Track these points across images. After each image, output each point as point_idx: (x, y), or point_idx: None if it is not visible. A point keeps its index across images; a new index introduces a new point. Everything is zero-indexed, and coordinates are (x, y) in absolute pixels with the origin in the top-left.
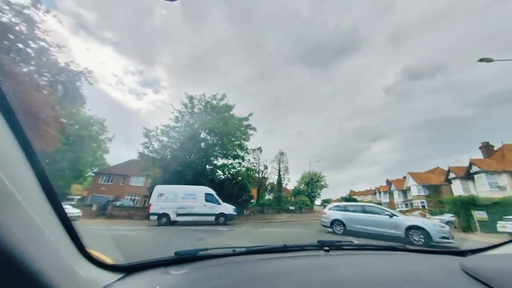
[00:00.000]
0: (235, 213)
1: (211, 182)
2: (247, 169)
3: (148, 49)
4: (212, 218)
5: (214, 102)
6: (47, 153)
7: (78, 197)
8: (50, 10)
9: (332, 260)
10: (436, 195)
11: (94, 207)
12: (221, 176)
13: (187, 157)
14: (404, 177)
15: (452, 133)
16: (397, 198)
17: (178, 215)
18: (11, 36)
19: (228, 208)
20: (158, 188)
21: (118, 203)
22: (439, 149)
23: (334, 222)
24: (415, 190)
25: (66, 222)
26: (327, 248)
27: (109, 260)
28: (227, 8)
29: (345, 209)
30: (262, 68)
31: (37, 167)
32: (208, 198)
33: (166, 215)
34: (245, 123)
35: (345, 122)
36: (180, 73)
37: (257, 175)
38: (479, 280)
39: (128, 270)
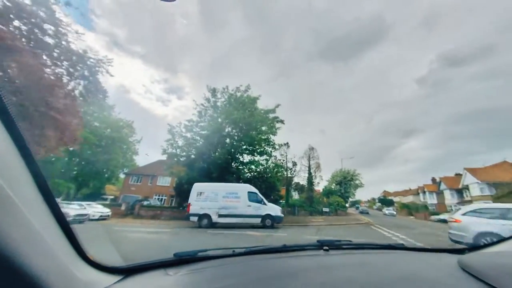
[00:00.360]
0: (282, 215)
1: (238, 180)
2: (276, 165)
3: (171, 58)
4: (258, 220)
5: (238, 94)
6: (84, 156)
7: (112, 197)
8: (89, 31)
9: (332, 259)
10: (508, 195)
11: (123, 207)
12: (247, 173)
13: (212, 153)
14: (457, 174)
15: (505, 125)
16: (450, 199)
17: (220, 216)
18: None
19: (274, 209)
20: (197, 186)
21: (145, 203)
22: (488, 143)
23: (482, 237)
24: (476, 189)
25: (64, 225)
26: (327, 248)
27: (107, 262)
28: (243, 10)
29: (503, 215)
30: (281, 66)
31: (34, 169)
32: (252, 197)
33: (207, 216)
34: (271, 115)
35: (371, 117)
36: (201, 78)
37: (285, 173)
38: (476, 277)
39: (127, 272)
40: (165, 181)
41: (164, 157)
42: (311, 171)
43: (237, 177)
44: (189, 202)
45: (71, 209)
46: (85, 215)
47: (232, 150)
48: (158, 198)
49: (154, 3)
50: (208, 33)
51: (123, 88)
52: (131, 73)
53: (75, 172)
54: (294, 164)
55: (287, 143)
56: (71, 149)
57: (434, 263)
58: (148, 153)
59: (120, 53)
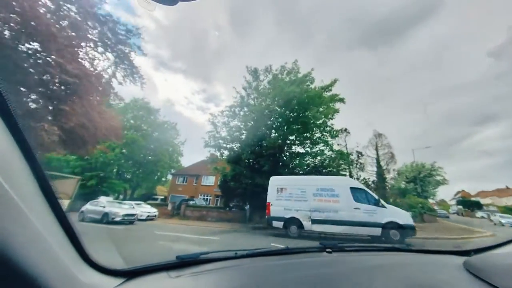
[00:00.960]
0: (413, 224)
1: (292, 174)
2: (341, 153)
3: (207, 69)
4: (378, 231)
5: (283, 76)
6: (135, 158)
7: (162, 197)
8: (140, 55)
9: (335, 262)
10: None
11: (169, 207)
12: (304, 165)
13: (260, 143)
14: None
15: None
16: None
17: (314, 222)
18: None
19: (401, 215)
20: (275, 181)
21: (191, 202)
22: None
23: None
24: None
25: (67, 227)
26: (330, 250)
27: (110, 265)
28: (272, 11)
29: None
30: (317, 60)
31: (37, 171)
32: (359, 196)
33: (295, 220)
34: (327, 94)
35: (428, 105)
36: (235, 84)
37: (348, 167)
38: (483, 279)
39: (129, 274)
40: (209, 181)
41: (205, 156)
42: (380, 163)
43: (291, 170)
44: (268, 201)
45: (121, 209)
46: (134, 215)
47: (284, 137)
48: (204, 198)
49: (190, 22)
50: (239, 39)
51: (169, 102)
52: (175, 87)
53: (129, 175)
54: (360, 155)
55: (346, 129)
56: (124, 151)
57: (440, 265)
58: (191, 158)
59: (165, 71)
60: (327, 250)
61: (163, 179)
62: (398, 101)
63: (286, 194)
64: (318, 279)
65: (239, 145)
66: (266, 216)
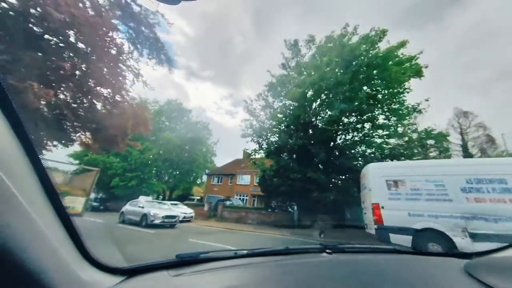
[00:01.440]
0: None
1: (354, 165)
2: (437, 135)
3: (234, 74)
4: None
5: (335, 44)
6: (171, 158)
7: (198, 197)
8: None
9: (334, 262)
10: None
11: (206, 207)
12: (374, 152)
13: (309, 126)
14: None
15: None
16: None
17: (476, 237)
18: None
19: None
20: (379, 169)
21: (228, 203)
22: None
23: None
24: None
25: (68, 224)
26: (330, 251)
27: (111, 263)
28: (297, 7)
29: None
30: None
31: (39, 168)
32: None
33: (436, 234)
34: (400, 55)
35: (488, 88)
36: (261, 85)
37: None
38: (483, 283)
39: (129, 272)
40: (245, 180)
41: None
42: (472, 149)
43: (352, 161)
44: (374, 202)
45: (161, 210)
46: (175, 217)
47: (338, 117)
48: (240, 198)
49: (216, 31)
50: (262, 41)
51: (201, 108)
52: (205, 95)
53: (166, 176)
54: (443, 136)
55: (419, 104)
56: (160, 152)
57: (441, 267)
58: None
59: (195, 80)
60: (327, 250)
61: (199, 180)
62: (450, 85)
63: (405, 189)
64: (318, 280)
65: (283, 130)
66: (376, 226)
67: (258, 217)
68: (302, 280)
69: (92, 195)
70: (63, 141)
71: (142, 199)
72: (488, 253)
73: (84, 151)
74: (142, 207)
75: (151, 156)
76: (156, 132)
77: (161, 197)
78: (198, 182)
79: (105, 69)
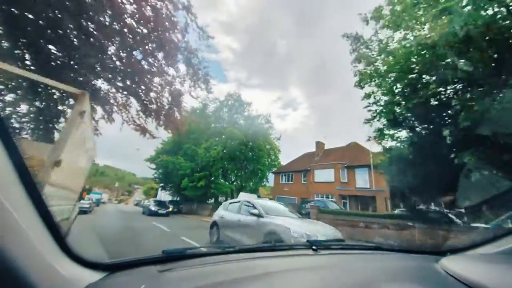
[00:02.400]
0: None
1: None
2: None
3: (280, 77)
4: None
5: None
6: (237, 157)
7: (266, 198)
8: (224, 83)
9: (320, 259)
10: None
11: None
12: None
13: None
14: None
15: None
16: None
17: None
18: None
19: None
20: None
21: (310, 205)
22: None
23: None
24: None
25: (48, 219)
26: (315, 248)
27: (93, 258)
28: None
29: None
30: None
31: (17, 162)
32: None
33: None
34: None
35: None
36: (310, 83)
37: None
38: (457, 279)
39: (113, 268)
40: (326, 176)
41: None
42: None
43: None
44: None
45: (302, 224)
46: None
47: None
48: (332, 200)
49: (260, 39)
50: (306, 41)
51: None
52: (255, 102)
53: (232, 176)
54: None
55: None
56: (225, 150)
57: (418, 264)
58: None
59: (245, 89)
60: (313, 247)
61: (265, 179)
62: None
63: None
64: (303, 274)
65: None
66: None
67: (397, 234)
68: (288, 275)
69: (163, 197)
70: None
71: (245, 196)
72: (461, 250)
73: (158, 154)
74: (262, 216)
75: (216, 155)
76: (219, 129)
77: (229, 199)
78: (264, 182)
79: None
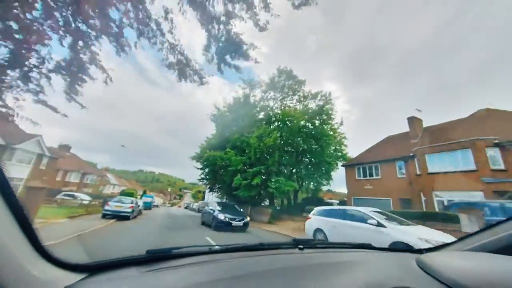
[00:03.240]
0: None
1: None
2: None
3: (313, 72)
4: None
5: None
6: (296, 145)
7: (334, 201)
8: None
9: (305, 258)
10: None
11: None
12: None
13: None
14: None
15: None
16: None
17: None
18: None
19: None
20: None
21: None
22: None
23: None
24: None
25: (21, 218)
26: (301, 247)
27: (71, 259)
28: None
29: None
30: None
31: None
32: None
33: None
34: None
35: None
36: (347, 75)
37: None
38: (432, 275)
39: (93, 269)
40: (458, 161)
41: None
42: None
43: None
44: None
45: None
46: None
47: None
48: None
49: (290, 38)
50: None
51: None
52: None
53: (289, 169)
54: None
55: None
56: (281, 135)
57: (397, 262)
58: None
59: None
60: (299, 246)
61: (332, 173)
62: None
63: None
64: (289, 273)
65: None
66: None
67: None
68: (275, 274)
69: (211, 200)
70: None
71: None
72: (437, 248)
73: (203, 150)
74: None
75: (272, 143)
76: (269, 114)
77: (285, 201)
78: (326, 182)
79: None
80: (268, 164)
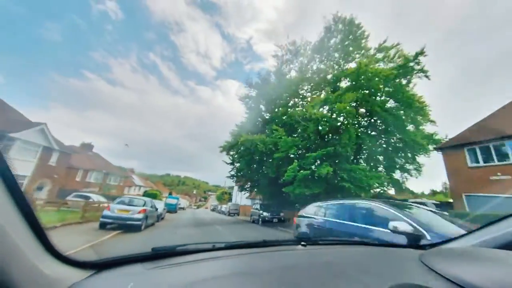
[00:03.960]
0: None
1: None
2: None
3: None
4: None
5: None
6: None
7: (431, 201)
8: None
9: (308, 254)
10: None
11: None
12: None
13: None
14: None
15: None
16: None
17: None
18: None
19: None
20: None
21: None
22: None
23: None
24: None
25: (30, 217)
26: (304, 243)
27: (78, 257)
28: None
29: None
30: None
31: None
32: None
33: None
34: None
35: None
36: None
37: None
38: (435, 271)
39: (100, 266)
40: None
41: None
42: None
43: None
44: None
45: None
46: None
47: None
48: None
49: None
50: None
51: None
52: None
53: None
54: None
55: None
56: (358, 94)
57: (400, 257)
58: None
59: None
60: (302, 243)
61: (417, 162)
62: None
63: None
64: (292, 270)
65: None
66: None
67: None
68: (278, 270)
69: (241, 201)
70: None
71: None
72: (439, 244)
73: (236, 137)
74: None
75: (345, 109)
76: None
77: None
78: (412, 175)
79: None
80: (343, 139)
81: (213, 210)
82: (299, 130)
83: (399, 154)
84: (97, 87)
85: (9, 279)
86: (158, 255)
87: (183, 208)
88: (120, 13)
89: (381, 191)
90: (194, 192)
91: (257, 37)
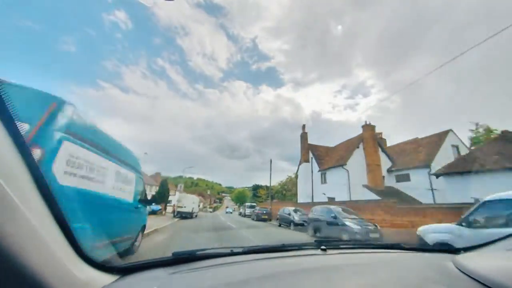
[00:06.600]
0: None
1: None
2: None
3: (341, 62)
4: None
5: None
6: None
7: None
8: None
9: (329, 259)
10: None
11: None
12: None
13: None
14: None
15: None
16: None
17: None
18: None
19: None
20: None
21: None
22: None
23: None
24: None
25: (63, 223)
26: (324, 247)
27: (106, 262)
28: None
29: None
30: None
31: (32, 167)
32: None
33: None
34: None
35: None
36: (379, 60)
37: None
38: (471, 277)
39: (125, 271)
40: None
41: None
42: None
43: None
44: None
45: None
46: None
47: None
48: None
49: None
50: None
51: (315, 113)
52: (316, 98)
53: None
54: None
55: None
56: None
57: (430, 263)
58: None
59: (302, 88)
60: (321, 247)
61: None
62: None
63: None
64: (312, 275)
65: None
66: None
67: None
68: (298, 277)
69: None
70: None
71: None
72: (475, 248)
73: None
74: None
75: None
76: None
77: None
78: None
79: None
80: None
81: (240, 214)
82: None
83: None
84: (112, 95)
85: (43, 280)
86: (179, 259)
87: (190, 214)
88: (129, 22)
89: None
90: (208, 192)
91: (262, 35)
